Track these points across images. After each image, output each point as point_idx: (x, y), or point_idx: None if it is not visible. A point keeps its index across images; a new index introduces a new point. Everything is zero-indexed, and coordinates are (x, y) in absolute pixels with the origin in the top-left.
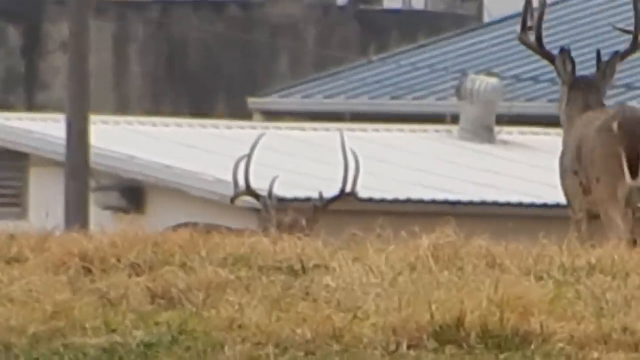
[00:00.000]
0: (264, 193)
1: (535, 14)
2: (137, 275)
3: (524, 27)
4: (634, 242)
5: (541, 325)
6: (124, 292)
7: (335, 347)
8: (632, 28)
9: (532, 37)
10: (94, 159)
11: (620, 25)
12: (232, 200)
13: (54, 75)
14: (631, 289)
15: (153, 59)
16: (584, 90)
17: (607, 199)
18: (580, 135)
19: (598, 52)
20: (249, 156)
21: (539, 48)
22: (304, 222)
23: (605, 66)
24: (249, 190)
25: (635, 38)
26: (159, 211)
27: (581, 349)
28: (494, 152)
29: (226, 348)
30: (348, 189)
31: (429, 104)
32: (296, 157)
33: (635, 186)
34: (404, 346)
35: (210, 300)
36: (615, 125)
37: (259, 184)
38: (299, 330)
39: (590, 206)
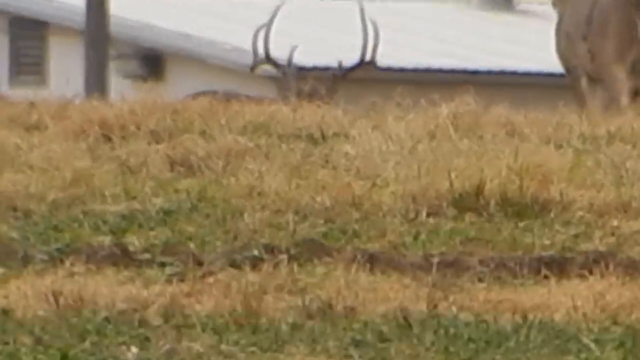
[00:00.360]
0: (284, 62)
1: None
2: (157, 142)
3: None
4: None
5: (561, 193)
6: (144, 160)
7: (355, 214)
8: None
9: None
10: (113, 27)
11: None
12: (252, 69)
13: None
14: None
15: None
16: None
17: (614, 62)
18: (591, 2)
19: None
20: (268, 25)
21: None
22: (323, 90)
23: None
24: (269, 59)
25: None
26: (178, 79)
27: (600, 217)
28: (514, 21)
29: (245, 215)
30: (367, 57)
31: None
32: (316, 26)
33: None
34: (423, 214)
35: (230, 168)
36: None
37: (279, 53)
38: (318, 198)
39: (593, 73)
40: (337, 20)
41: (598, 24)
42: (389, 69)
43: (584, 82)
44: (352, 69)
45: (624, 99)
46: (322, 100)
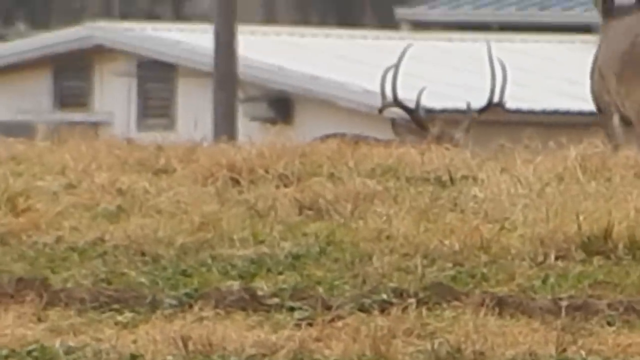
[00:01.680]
0: (412, 104)
1: None
2: (285, 186)
3: None
4: None
5: None
6: (272, 203)
7: (483, 258)
8: None
9: None
10: (241, 70)
11: None
12: (380, 111)
13: None
14: None
15: None
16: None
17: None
18: (619, 41)
19: None
20: (396, 67)
21: None
22: (452, 133)
23: None
24: (397, 101)
25: None
26: (306, 122)
27: None
28: None
29: (374, 259)
30: (496, 99)
31: (577, 15)
32: (443, 68)
33: None
34: (552, 257)
35: (358, 211)
36: None
37: (407, 95)
38: (446, 241)
39: (626, 111)
40: (465, 61)
41: (636, 61)
42: (517, 111)
43: (615, 120)
44: (481, 111)
45: None
46: (451, 142)
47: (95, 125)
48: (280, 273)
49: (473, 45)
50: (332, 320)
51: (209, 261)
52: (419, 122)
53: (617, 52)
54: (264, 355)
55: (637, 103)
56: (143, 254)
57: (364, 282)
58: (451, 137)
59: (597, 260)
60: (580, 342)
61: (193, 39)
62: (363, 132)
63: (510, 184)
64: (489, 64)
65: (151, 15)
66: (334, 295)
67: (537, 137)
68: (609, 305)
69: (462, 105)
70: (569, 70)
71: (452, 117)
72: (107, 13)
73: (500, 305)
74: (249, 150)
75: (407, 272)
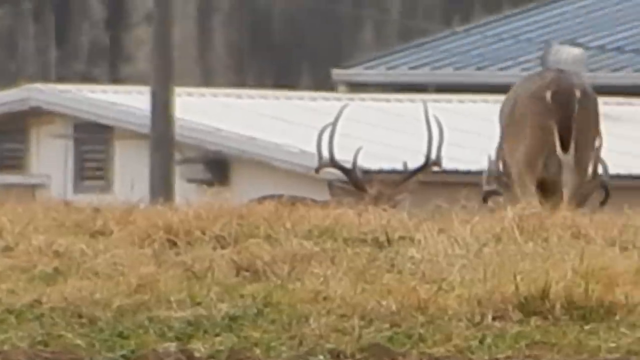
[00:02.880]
0: (348, 164)
1: None
2: (222, 247)
3: None
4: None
5: (626, 296)
6: (209, 265)
7: (421, 318)
8: None
9: None
10: (178, 131)
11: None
12: (317, 171)
13: (138, 48)
14: None
15: (237, 31)
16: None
17: (526, 166)
18: (515, 97)
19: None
20: (333, 127)
21: None
22: (389, 193)
23: None
24: (333, 162)
25: None
26: (243, 183)
27: None
28: None
29: (311, 320)
30: (432, 159)
31: (514, 75)
32: (380, 129)
33: (564, 159)
34: (489, 318)
35: (295, 273)
36: (548, 95)
37: (344, 156)
38: (384, 302)
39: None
40: (403, 122)
41: (516, 122)
42: (454, 172)
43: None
44: (418, 170)
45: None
46: (388, 203)
47: (32, 187)
48: (217, 334)
49: (410, 105)
50: None
51: (146, 323)
52: (356, 183)
53: (503, 111)
54: None
55: (516, 162)
56: (80, 316)
57: (301, 343)
58: (389, 198)
59: (534, 321)
60: None
61: (129, 101)
62: (300, 194)
63: (448, 245)
64: (426, 125)
65: (87, 77)
66: (270, 356)
67: (475, 198)
68: None
69: (399, 166)
70: None
71: (389, 178)
72: (43, 75)
73: None
74: (186, 211)
75: (344, 333)
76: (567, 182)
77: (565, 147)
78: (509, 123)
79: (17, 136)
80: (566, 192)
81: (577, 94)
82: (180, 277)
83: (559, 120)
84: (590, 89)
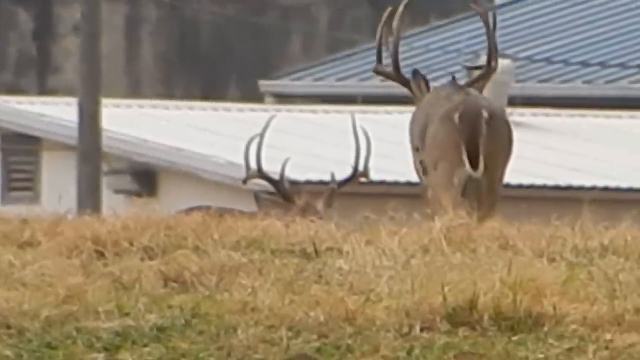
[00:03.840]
0: (276, 176)
1: (392, 44)
2: (150, 259)
3: (380, 59)
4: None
5: (554, 308)
6: (137, 276)
7: (349, 330)
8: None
9: (389, 68)
10: (106, 142)
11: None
12: (244, 182)
13: (66, 59)
14: None
15: (165, 42)
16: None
17: (442, 186)
18: (426, 117)
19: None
20: (260, 138)
21: (397, 76)
22: (319, 205)
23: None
24: (261, 173)
25: (489, 64)
26: (171, 195)
27: (594, 331)
28: None
29: (239, 331)
30: (360, 170)
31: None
32: (308, 140)
33: (474, 176)
34: (417, 329)
35: (224, 284)
36: (457, 117)
37: (272, 167)
38: (312, 314)
39: (427, 185)
40: (330, 134)
41: (427, 143)
42: (382, 183)
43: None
44: (345, 182)
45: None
46: (316, 215)
47: None
48: (146, 345)
49: (338, 117)
50: None
51: (75, 334)
52: (284, 194)
53: (413, 132)
54: None
55: (432, 184)
56: (8, 327)
57: (229, 354)
58: (316, 210)
59: (462, 332)
60: None
61: (57, 112)
62: (228, 205)
63: (376, 256)
64: (354, 136)
65: (15, 89)
66: None
67: (403, 209)
68: None
69: (327, 178)
70: None
71: (317, 189)
72: None
73: None
74: (114, 223)
75: (272, 344)
76: (480, 200)
77: (474, 166)
78: (421, 145)
79: None
80: (480, 210)
81: (485, 114)
82: (109, 288)
83: (467, 140)
84: (499, 110)
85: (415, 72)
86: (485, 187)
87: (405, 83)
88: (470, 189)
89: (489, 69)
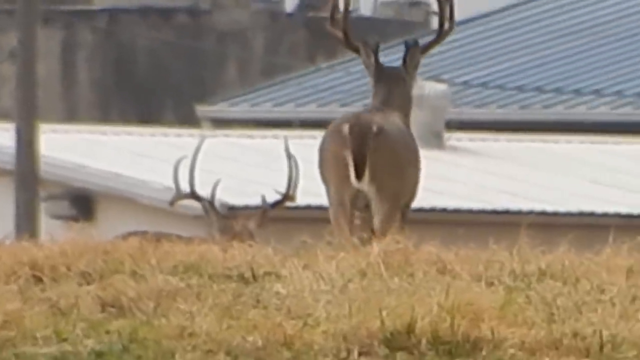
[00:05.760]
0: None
1: (342, 5)
2: (88, 284)
3: (333, 18)
4: (370, 236)
5: (492, 332)
6: (75, 301)
7: (286, 354)
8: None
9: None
10: (43, 168)
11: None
12: (172, 203)
13: (2, 84)
14: (582, 295)
15: (101, 67)
16: (388, 81)
17: (336, 204)
18: (323, 136)
19: (405, 43)
20: (192, 159)
21: (346, 41)
22: (251, 224)
23: (406, 57)
24: (193, 195)
25: (439, 31)
26: (108, 220)
27: (532, 355)
28: (444, 158)
29: (177, 356)
30: (289, 194)
31: None
32: (244, 165)
33: (359, 188)
34: (355, 353)
35: (161, 309)
36: (345, 128)
37: (206, 191)
38: (249, 338)
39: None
40: (266, 158)
41: (321, 158)
42: (319, 208)
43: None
44: (276, 204)
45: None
46: (251, 239)
47: None
48: None
49: (274, 141)
50: None
51: (12, 359)
52: (214, 214)
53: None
54: None
55: (329, 202)
56: None
57: None
58: (251, 234)
59: (400, 356)
60: None
61: None
62: (165, 230)
63: (313, 280)
64: (287, 159)
65: None
66: None
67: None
68: None
69: (259, 201)
70: None
71: (253, 214)
72: None
73: None
74: (51, 248)
75: None
76: (375, 211)
77: (359, 176)
78: (318, 164)
79: None
80: (376, 222)
81: (374, 128)
82: (46, 313)
83: (353, 150)
84: (396, 130)
85: (364, 41)
86: (376, 200)
87: (354, 49)
88: (359, 202)
89: (442, 32)
